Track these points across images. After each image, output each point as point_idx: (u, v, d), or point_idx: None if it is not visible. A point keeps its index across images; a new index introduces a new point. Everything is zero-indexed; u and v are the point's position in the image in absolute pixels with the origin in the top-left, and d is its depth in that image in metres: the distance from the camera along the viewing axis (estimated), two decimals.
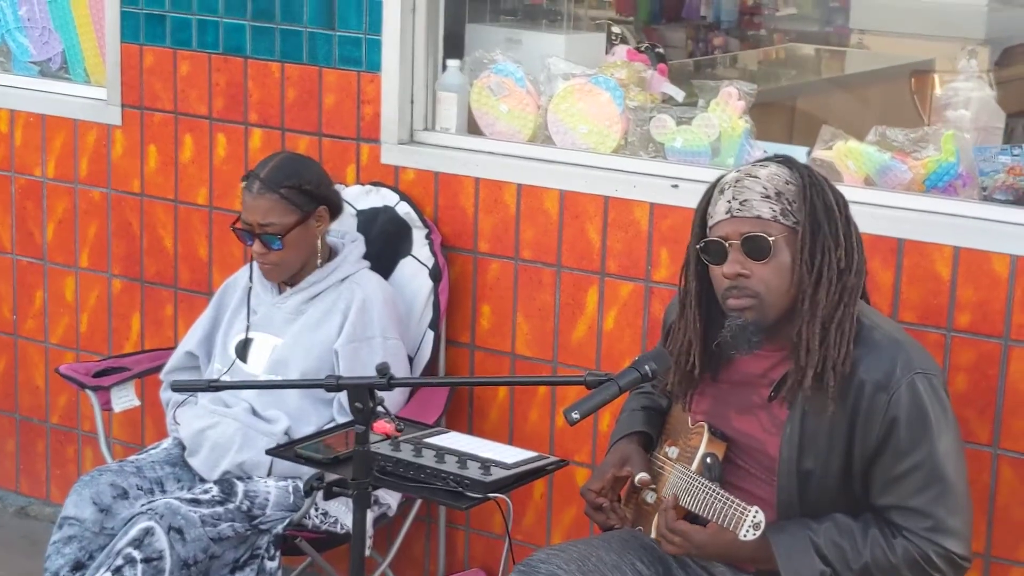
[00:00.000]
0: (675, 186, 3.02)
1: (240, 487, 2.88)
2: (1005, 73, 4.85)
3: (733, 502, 2.23)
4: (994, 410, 2.72)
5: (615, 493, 2.47)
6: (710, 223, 2.33)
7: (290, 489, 2.92)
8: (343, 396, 2.82)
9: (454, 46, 3.41)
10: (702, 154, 3.09)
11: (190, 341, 3.18)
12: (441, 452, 2.43)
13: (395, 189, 3.32)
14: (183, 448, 3.06)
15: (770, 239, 2.25)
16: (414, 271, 3.24)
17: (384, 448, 2.41)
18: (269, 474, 2.94)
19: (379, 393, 2.20)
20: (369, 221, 3.29)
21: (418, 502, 3.15)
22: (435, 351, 3.22)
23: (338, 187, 3.19)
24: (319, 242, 3.04)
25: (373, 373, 2.85)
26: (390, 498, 3.04)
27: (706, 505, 2.28)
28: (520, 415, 3.28)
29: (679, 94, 3.41)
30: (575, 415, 2.08)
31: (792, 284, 2.26)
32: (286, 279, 3.06)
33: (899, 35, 4.82)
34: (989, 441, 2.73)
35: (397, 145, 3.33)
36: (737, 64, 4.70)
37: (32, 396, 3.97)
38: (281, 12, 3.41)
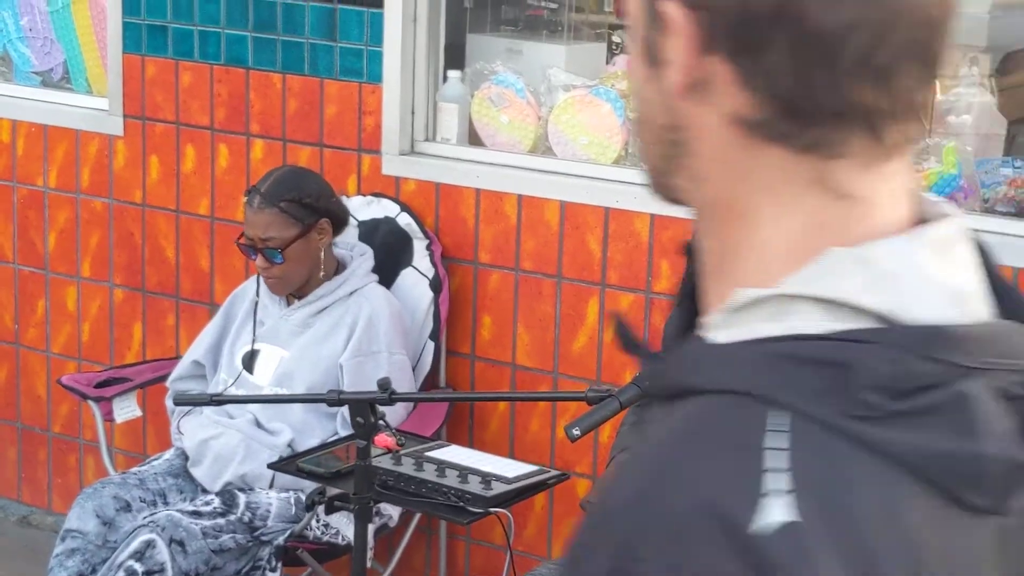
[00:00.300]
0: None
1: (242, 498, 2.89)
2: (1006, 80, 4.85)
3: None
4: None
5: None
6: None
7: (292, 501, 2.92)
8: (345, 410, 2.82)
9: (455, 56, 3.42)
10: None
11: (197, 350, 3.18)
12: (442, 466, 2.43)
13: (396, 200, 3.32)
14: (185, 458, 3.07)
15: None
16: (415, 282, 3.25)
17: (385, 462, 2.42)
18: (271, 486, 2.95)
19: (381, 407, 2.20)
20: (370, 232, 3.29)
21: (419, 513, 3.15)
22: (436, 361, 3.22)
23: (339, 199, 3.19)
24: (322, 254, 3.04)
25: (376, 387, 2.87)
26: (391, 509, 3.04)
27: None
28: (521, 426, 3.28)
29: None
30: (576, 432, 2.08)
31: None
32: (293, 292, 3.06)
33: None
34: None
35: (398, 156, 3.33)
36: None
37: (34, 405, 3.97)
38: (283, 23, 3.41)
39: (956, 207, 0.76)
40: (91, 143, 3.74)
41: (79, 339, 3.86)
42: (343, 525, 2.92)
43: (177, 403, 2.58)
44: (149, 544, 2.72)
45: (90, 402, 3.25)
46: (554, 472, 2.52)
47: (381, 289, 3.12)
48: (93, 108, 3.75)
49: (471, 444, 3.28)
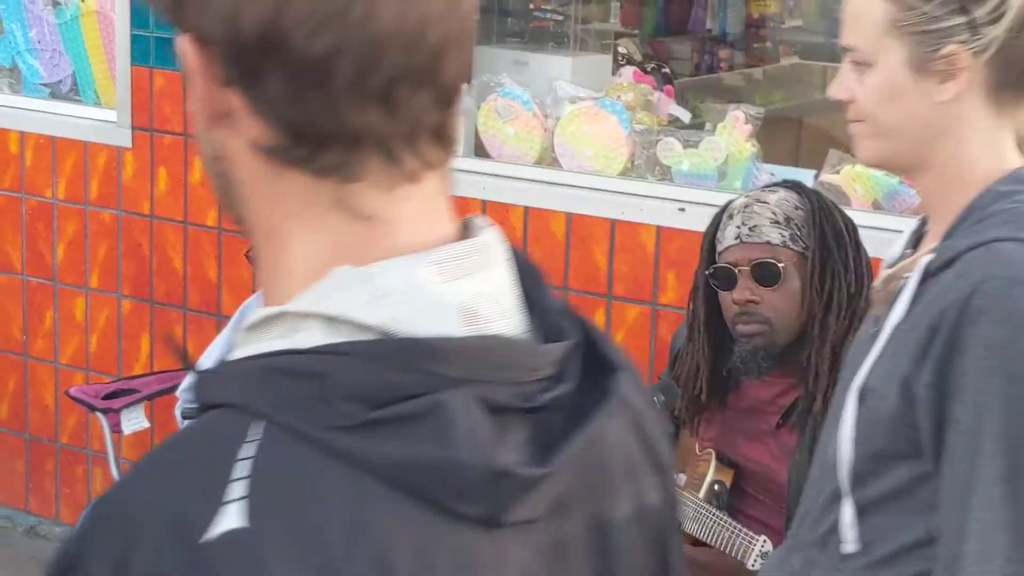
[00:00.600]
0: (682, 209, 3.03)
1: None
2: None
3: (741, 531, 2.23)
4: None
5: None
6: (719, 248, 2.33)
7: None
8: None
9: None
10: (709, 177, 3.10)
11: (207, 361, 3.19)
12: None
13: None
14: None
15: (779, 265, 2.26)
16: None
17: None
18: None
19: None
20: None
21: None
22: None
23: None
24: None
25: None
26: None
27: (713, 534, 2.28)
28: None
29: (686, 115, 3.42)
30: None
31: (802, 309, 2.27)
32: None
33: None
34: None
35: None
36: (743, 82, 4.71)
37: (42, 416, 3.98)
38: None
39: (494, 226, 0.81)
40: (99, 155, 3.76)
41: (87, 350, 3.87)
42: None
43: (185, 416, 2.58)
44: None
45: (98, 414, 3.26)
46: None
47: None
48: (101, 120, 3.76)
49: None
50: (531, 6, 3.64)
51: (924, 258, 1.40)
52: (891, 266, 1.49)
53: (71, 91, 3.90)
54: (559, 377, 0.76)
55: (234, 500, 0.69)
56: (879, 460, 1.41)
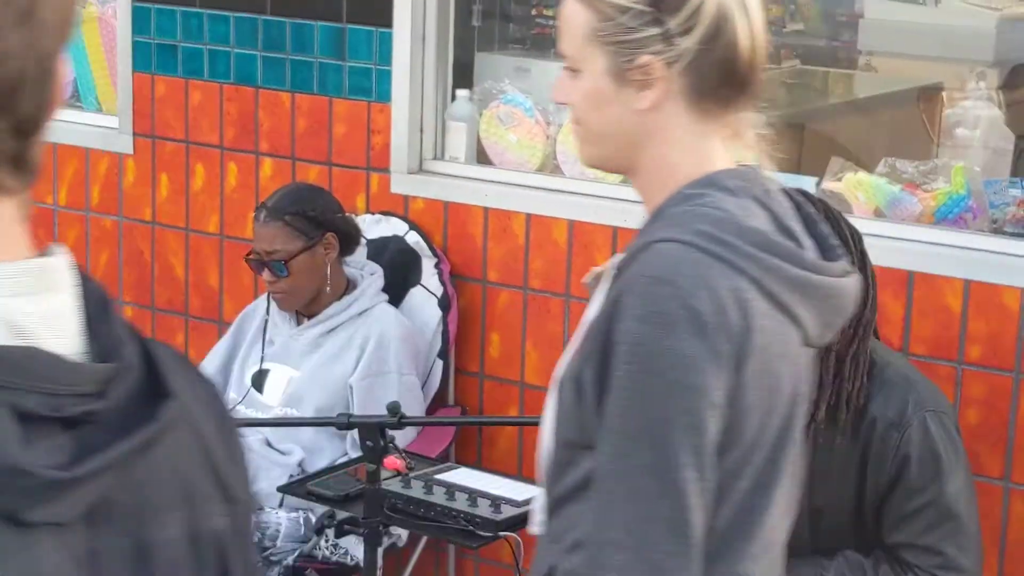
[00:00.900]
0: None
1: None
2: (1014, 95, 4.86)
3: None
4: (1006, 444, 2.72)
5: None
6: None
7: (301, 520, 2.93)
8: (355, 432, 2.83)
9: (463, 75, 3.43)
10: None
11: (207, 369, 3.19)
12: (452, 489, 2.44)
13: (404, 218, 3.33)
14: None
15: None
16: (423, 300, 3.25)
17: (395, 485, 2.42)
18: (280, 505, 2.95)
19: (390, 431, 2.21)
20: (379, 250, 3.30)
21: None
22: (444, 380, 3.23)
23: (348, 215, 3.19)
24: (328, 270, 3.05)
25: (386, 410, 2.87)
26: (401, 529, 3.04)
27: None
28: (529, 443, 3.28)
29: None
30: None
31: None
32: (303, 309, 3.07)
33: (907, 57, 4.82)
34: (1001, 475, 2.73)
35: (407, 174, 3.34)
36: None
37: None
38: (292, 43, 3.42)
39: (67, 254, 0.87)
40: (101, 161, 3.76)
41: None
42: (352, 545, 2.92)
43: None
44: None
45: None
46: None
47: (392, 309, 3.12)
48: (103, 126, 3.76)
49: (480, 462, 3.29)
50: (533, 12, 3.64)
51: (616, 257, 1.46)
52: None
53: (72, 97, 3.90)
54: (101, 395, 0.81)
55: None
56: (572, 450, 1.44)
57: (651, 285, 1.33)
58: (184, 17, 3.56)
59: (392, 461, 2.40)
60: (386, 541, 3.01)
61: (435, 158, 3.36)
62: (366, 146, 3.39)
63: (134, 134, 3.68)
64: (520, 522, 2.40)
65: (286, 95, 3.46)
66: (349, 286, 3.10)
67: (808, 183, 3.04)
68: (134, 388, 0.82)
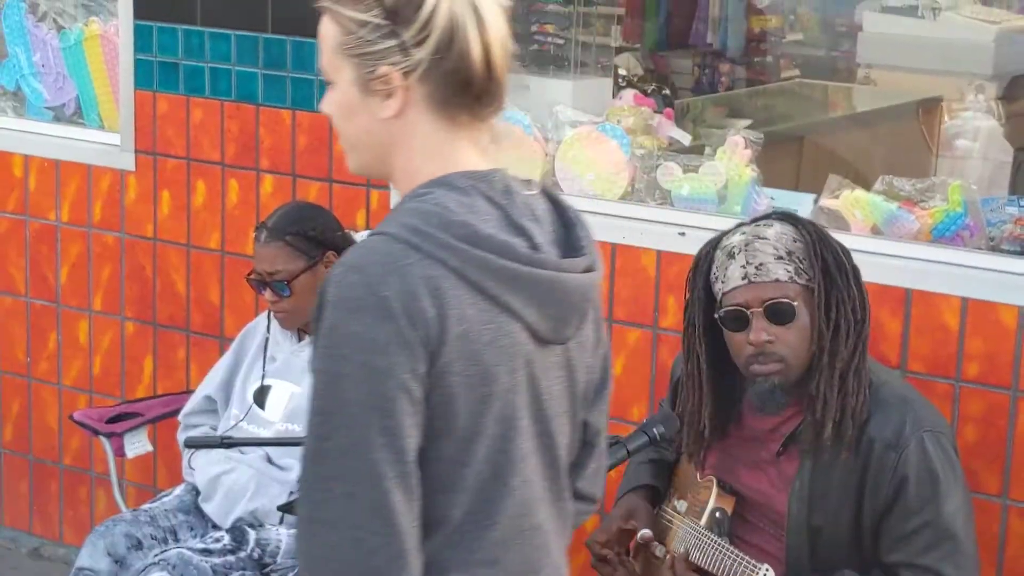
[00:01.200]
0: (682, 234, 3.04)
1: (252, 535, 2.90)
2: (1012, 107, 4.87)
3: (743, 559, 2.24)
4: (1003, 461, 2.73)
5: (622, 546, 2.48)
6: (722, 289, 2.32)
7: None
8: None
9: None
10: (709, 202, 3.11)
11: (209, 385, 3.20)
12: None
13: None
14: (196, 494, 3.08)
15: (793, 304, 2.26)
16: None
17: None
18: (281, 521, 2.96)
19: None
20: None
21: None
22: None
23: (347, 232, 3.21)
24: None
25: None
26: None
27: (716, 561, 2.29)
28: None
29: (686, 138, 3.43)
30: None
31: (812, 341, 2.27)
32: (304, 327, 3.08)
33: (906, 70, 4.84)
34: (998, 492, 2.74)
35: None
36: (743, 101, 4.72)
37: (45, 438, 3.99)
38: (293, 61, 3.44)
39: None
40: (103, 178, 3.77)
41: (90, 372, 3.88)
42: None
43: (188, 446, 2.60)
44: None
45: (101, 438, 3.27)
46: None
47: None
48: (105, 143, 3.78)
49: None
50: (532, 29, 3.65)
51: None
52: None
53: (75, 114, 3.92)
54: None
55: None
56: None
57: (345, 273, 1.41)
58: (185, 35, 3.58)
59: None
60: None
61: None
62: None
63: (136, 151, 3.70)
64: None
65: (287, 112, 3.48)
66: None
67: (806, 200, 3.05)
68: None
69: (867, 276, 2.77)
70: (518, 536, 1.48)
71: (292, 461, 3.01)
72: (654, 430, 2.16)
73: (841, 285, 2.27)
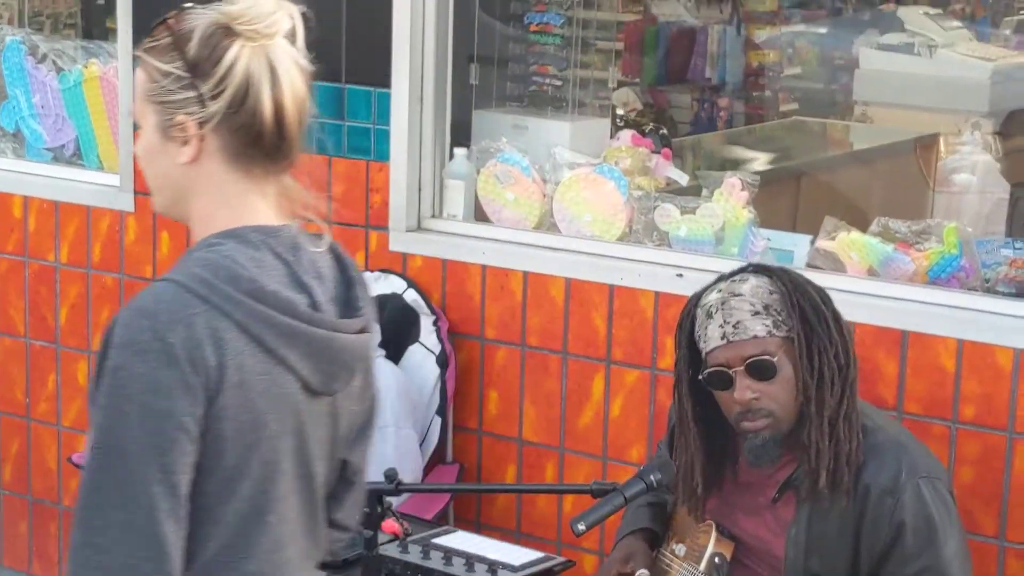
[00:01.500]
0: (680, 275, 3.05)
1: None
2: (1009, 144, 4.90)
3: None
4: (1000, 503, 2.73)
5: None
6: (704, 348, 2.32)
7: None
8: None
9: (461, 131, 3.46)
10: (706, 243, 3.12)
11: None
12: (449, 554, 2.45)
13: (403, 276, 3.35)
14: None
15: (773, 359, 2.26)
16: (422, 358, 3.27)
17: (392, 550, 2.43)
18: None
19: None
20: (378, 308, 3.31)
21: None
22: (443, 437, 3.24)
23: None
24: None
25: (383, 464, 2.87)
26: None
27: None
28: (528, 500, 3.30)
29: (683, 178, 3.45)
30: (581, 527, 2.10)
31: (799, 391, 2.28)
32: None
33: (903, 107, 4.86)
34: (995, 534, 2.73)
35: (405, 232, 3.37)
36: (740, 139, 4.75)
37: (45, 478, 3.99)
38: None
39: None
40: (102, 219, 3.79)
41: None
42: None
43: None
44: None
45: None
46: (560, 559, 2.54)
47: (388, 364, 3.14)
48: (104, 184, 3.79)
49: (478, 520, 3.30)
50: (531, 71, 3.68)
51: None
52: None
53: (74, 156, 3.94)
54: None
55: None
56: None
57: (135, 317, 1.51)
58: None
59: (390, 524, 2.41)
60: None
61: (433, 216, 3.39)
62: (365, 204, 3.42)
63: (135, 192, 3.71)
64: None
65: None
66: None
67: (802, 242, 3.07)
68: None
69: (863, 318, 2.79)
70: (272, 570, 1.60)
71: None
72: (651, 477, 2.16)
73: (821, 332, 2.27)
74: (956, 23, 5.24)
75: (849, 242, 2.97)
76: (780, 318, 2.27)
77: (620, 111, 4.28)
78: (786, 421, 2.28)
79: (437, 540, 2.53)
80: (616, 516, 2.74)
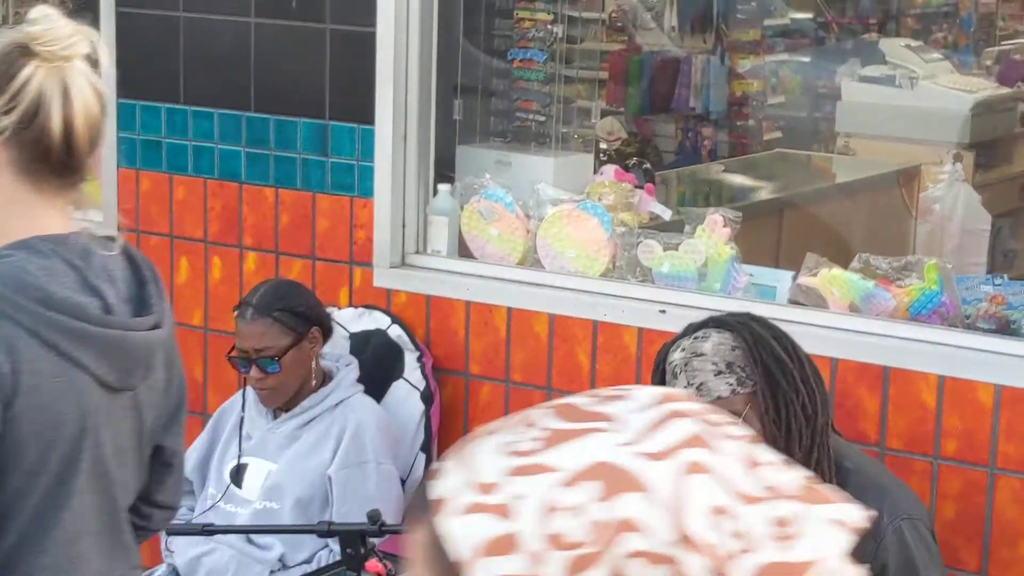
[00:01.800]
0: (663, 311, 3.07)
1: None
2: (990, 175, 4.93)
3: None
4: (982, 538, 2.74)
5: None
6: None
7: None
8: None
9: (445, 166, 3.48)
10: (689, 279, 3.13)
11: (185, 466, 3.20)
12: None
13: (387, 312, 3.36)
14: (177, 575, 3.07)
15: (739, 419, 2.26)
16: (406, 394, 3.27)
17: None
18: None
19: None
20: (361, 344, 3.33)
21: None
22: (427, 473, 3.24)
23: (330, 310, 3.23)
24: (313, 364, 3.07)
25: (366, 500, 2.87)
26: None
27: None
28: None
29: (666, 213, 3.47)
30: None
31: (767, 443, 2.27)
32: (282, 405, 3.09)
33: (885, 139, 4.90)
34: (978, 569, 2.74)
35: (389, 268, 3.37)
36: (724, 172, 4.77)
37: None
38: (275, 139, 3.47)
39: None
40: None
41: None
42: None
43: (169, 533, 2.60)
44: None
45: None
46: None
47: (367, 399, 3.14)
48: (88, 221, 3.78)
49: None
50: (514, 106, 3.69)
51: None
52: None
53: None
54: None
55: None
56: None
57: None
58: (168, 113, 3.61)
59: (374, 565, 2.41)
60: None
61: (417, 252, 3.40)
62: (349, 240, 3.42)
63: (119, 229, 3.71)
64: None
65: (270, 190, 3.51)
66: (325, 378, 3.12)
67: (784, 278, 3.08)
68: None
69: (844, 353, 2.81)
70: (66, 564, 1.67)
71: (272, 540, 3.00)
72: None
73: (786, 385, 2.24)
74: (937, 55, 5.28)
75: (831, 278, 2.98)
76: (744, 375, 2.25)
77: (604, 142, 4.30)
78: None
79: None
80: None
